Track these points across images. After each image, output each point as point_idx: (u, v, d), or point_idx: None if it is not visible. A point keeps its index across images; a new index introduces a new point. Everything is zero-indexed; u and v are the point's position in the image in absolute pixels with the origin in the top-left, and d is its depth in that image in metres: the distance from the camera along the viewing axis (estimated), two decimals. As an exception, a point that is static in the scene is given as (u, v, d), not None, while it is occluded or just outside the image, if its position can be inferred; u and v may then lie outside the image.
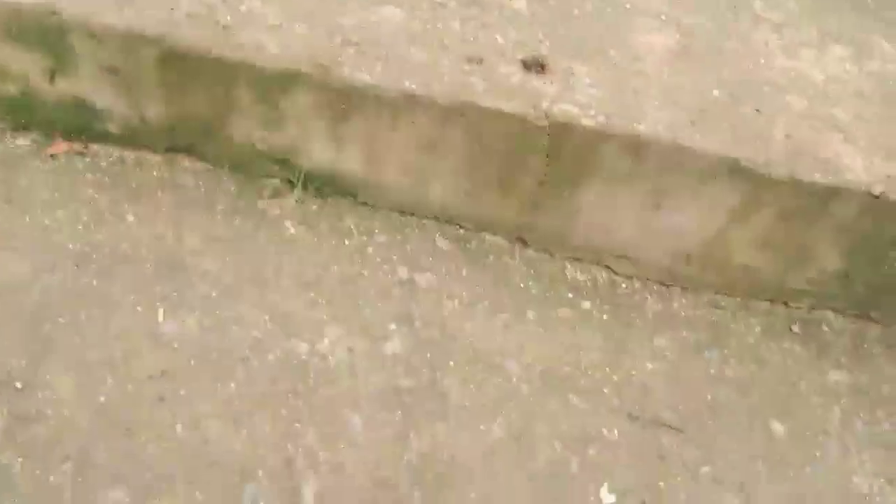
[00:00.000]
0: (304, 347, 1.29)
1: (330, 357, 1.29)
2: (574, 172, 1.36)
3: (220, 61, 1.27)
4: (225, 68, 1.28)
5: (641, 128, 1.32)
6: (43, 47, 1.28)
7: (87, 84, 1.32)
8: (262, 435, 1.19)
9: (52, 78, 1.32)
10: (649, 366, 1.40)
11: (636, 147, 1.31)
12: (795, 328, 1.51)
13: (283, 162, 1.43)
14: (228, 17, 1.31)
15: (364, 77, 1.30)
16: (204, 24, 1.29)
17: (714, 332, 1.47)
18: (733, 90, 1.43)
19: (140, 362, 1.22)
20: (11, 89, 1.34)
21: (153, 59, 1.28)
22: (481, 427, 1.27)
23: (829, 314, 1.54)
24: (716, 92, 1.42)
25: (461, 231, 1.50)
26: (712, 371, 1.41)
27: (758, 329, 1.49)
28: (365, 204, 1.49)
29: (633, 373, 1.38)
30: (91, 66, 1.30)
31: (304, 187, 1.45)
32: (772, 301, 1.53)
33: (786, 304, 1.53)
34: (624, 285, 1.51)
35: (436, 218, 1.50)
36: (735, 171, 1.32)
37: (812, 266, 1.45)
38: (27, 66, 1.31)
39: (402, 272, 1.43)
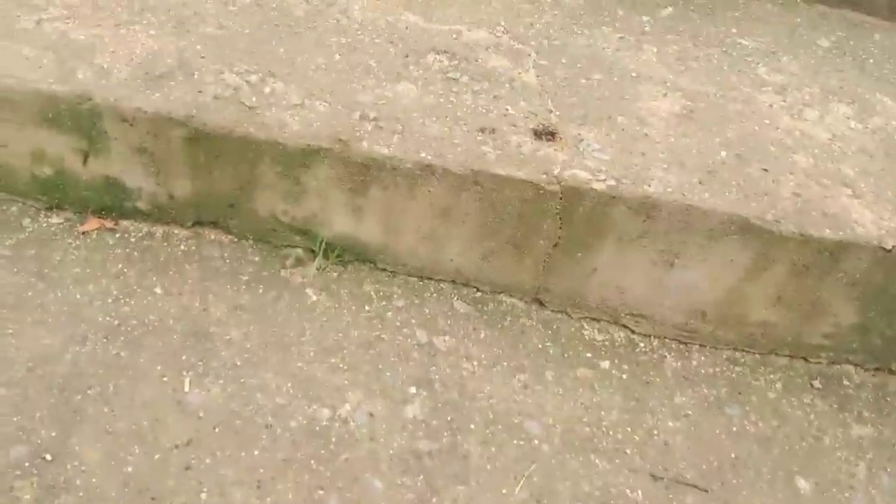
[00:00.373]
0: (325, 413, 1.31)
1: (351, 422, 1.31)
2: (587, 234, 1.39)
3: (246, 140, 1.34)
4: (250, 146, 1.35)
5: (650, 189, 1.35)
6: (77, 131, 1.35)
7: (118, 164, 1.39)
8: (286, 501, 1.20)
9: (85, 159, 1.39)
10: (671, 424, 1.40)
11: (646, 208, 1.35)
12: (816, 383, 1.51)
13: (305, 232, 1.47)
14: (253, 98, 1.38)
15: (382, 150, 1.36)
16: (230, 105, 1.36)
17: (734, 389, 1.47)
18: (740, 151, 1.47)
19: (166, 431, 1.24)
20: (46, 171, 1.41)
21: (181, 139, 1.34)
22: (503, 490, 1.27)
23: (850, 368, 1.54)
24: (722, 153, 1.46)
25: (478, 294, 1.53)
26: (734, 428, 1.41)
27: (778, 385, 1.49)
28: (384, 270, 1.53)
29: (655, 432, 1.38)
30: (122, 148, 1.37)
31: (325, 256, 1.50)
32: (791, 356, 1.54)
33: (805, 358, 1.53)
34: (642, 344, 1.52)
35: (453, 281, 1.53)
36: (745, 228, 1.35)
37: (828, 320, 1.46)
38: (62, 148, 1.38)
39: (421, 335, 1.45)
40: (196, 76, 1.39)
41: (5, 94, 1.31)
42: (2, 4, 1.44)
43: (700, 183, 1.39)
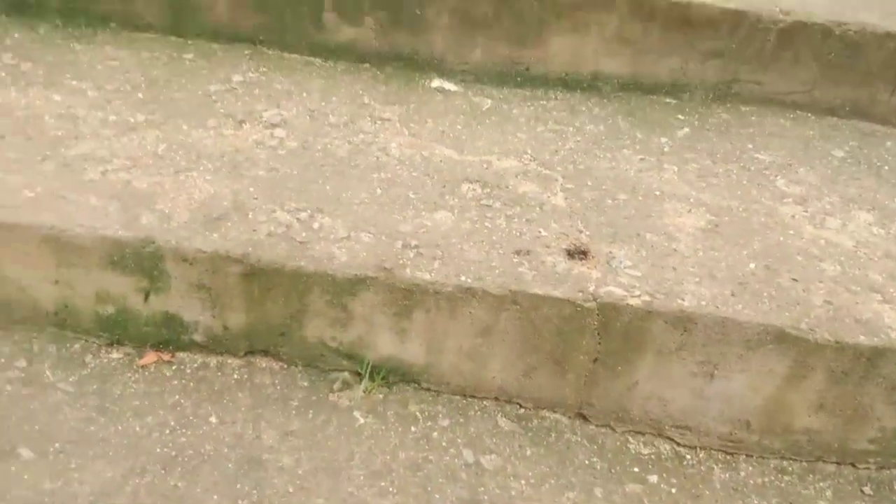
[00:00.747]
0: (377, 539, 1.32)
1: (404, 547, 1.31)
2: (626, 349, 1.44)
3: (297, 273, 1.42)
4: (301, 278, 1.43)
5: (685, 303, 1.40)
6: (140, 272, 1.45)
7: (177, 301, 1.48)
8: None
9: (146, 297, 1.48)
10: (724, 539, 1.38)
11: (682, 322, 1.39)
12: (867, 489, 1.49)
13: (352, 356, 1.53)
14: (303, 234, 1.48)
15: (424, 275, 1.44)
16: (282, 241, 1.46)
17: (785, 499, 1.46)
18: (768, 262, 1.52)
19: (223, 563, 1.26)
20: (109, 309, 1.50)
21: (238, 275, 1.43)
22: None
23: (901, 473, 1.52)
24: (751, 265, 1.51)
25: (522, 410, 1.56)
26: (790, 541, 1.39)
27: (828, 492, 1.48)
28: (428, 389, 1.57)
29: (709, 547, 1.37)
30: (182, 285, 1.46)
31: (371, 378, 1.54)
32: (838, 462, 1.53)
33: (853, 464, 1.52)
34: (688, 456, 1.52)
35: (496, 399, 1.57)
36: (781, 338, 1.38)
37: (872, 425, 1.46)
38: (124, 288, 1.47)
39: (468, 455, 1.47)
40: (250, 216, 1.50)
41: (76, 242, 1.42)
42: (70, 158, 1.58)
43: (732, 295, 1.44)
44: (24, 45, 1.90)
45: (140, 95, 1.78)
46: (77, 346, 1.53)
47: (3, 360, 1.47)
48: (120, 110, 1.73)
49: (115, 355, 1.53)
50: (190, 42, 1.97)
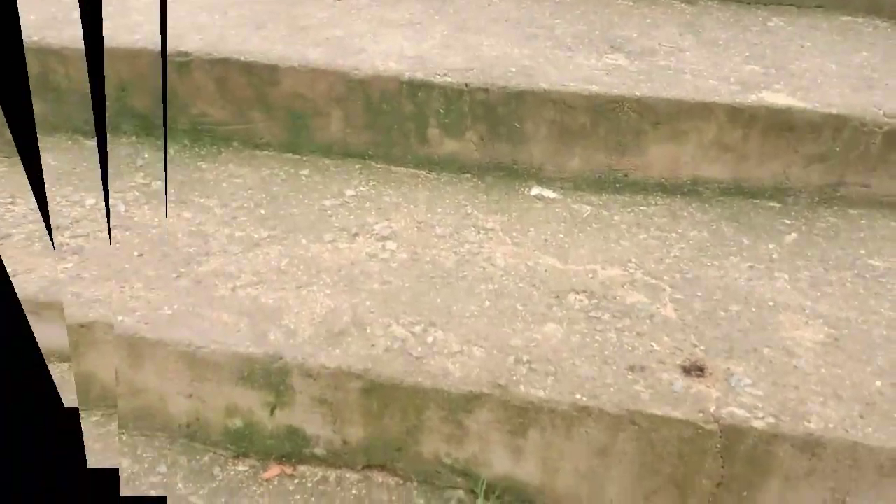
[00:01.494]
0: None
1: None
2: (751, 473, 1.40)
3: (414, 389, 1.46)
4: (417, 394, 1.46)
5: (812, 426, 1.37)
6: (267, 387, 1.51)
7: (300, 415, 1.53)
8: None
9: (272, 412, 1.54)
10: None
11: (810, 446, 1.35)
12: None
13: (466, 474, 1.54)
14: (418, 349, 1.52)
15: (539, 393, 1.45)
16: (399, 356, 1.50)
17: None
18: (894, 380, 1.47)
19: None
20: (238, 423, 1.57)
21: (358, 390, 1.48)
22: None
23: None
24: (877, 383, 1.47)
25: (638, 531, 1.53)
26: None
27: None
28: (542, 508, 1.56)
29: None
30: (305, 400, 1.51)
31: (486, 497, 1.54)
32: None
33: None
34: (817, 584, 1.45)
35: (611, 518, 1.54)
36: (917, 465, 1.33)
37: None
38: (252, 402, 1.54)
39: (582, 575, 1.44)
40: (368, 331, 1.56)
41: (211, 359, 1.50)
42: (202, 275, 1.69)
43: (861, 417, 1.39)
44: (154, 165, 2.06)
45: (262, 211, 1.90)
46: (206, 458, 1.59)
47: (146, 466, 1.55)
48: (245, 226, 1.84)
49: (240, 468, 1.58)
50: (305, 158, 2.10)
